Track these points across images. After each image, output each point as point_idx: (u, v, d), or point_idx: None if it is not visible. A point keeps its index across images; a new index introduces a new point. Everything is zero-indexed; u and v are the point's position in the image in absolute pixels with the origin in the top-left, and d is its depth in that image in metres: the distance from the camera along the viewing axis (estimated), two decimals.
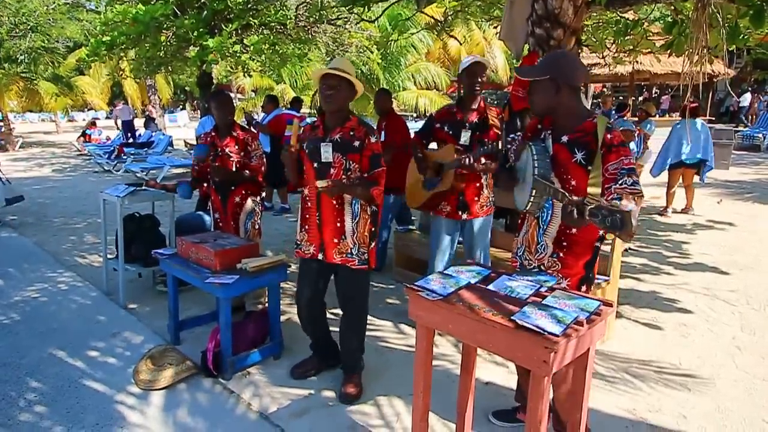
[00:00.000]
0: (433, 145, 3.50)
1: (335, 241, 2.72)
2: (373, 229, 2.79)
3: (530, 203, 2.04)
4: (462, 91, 3.32)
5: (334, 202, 2.68)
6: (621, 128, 6.59)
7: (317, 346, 3.05)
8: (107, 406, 2.75)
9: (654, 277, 4.75)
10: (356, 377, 2.89)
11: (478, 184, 3.29)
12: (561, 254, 2.15)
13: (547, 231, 2.16)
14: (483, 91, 3.34)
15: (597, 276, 2.29)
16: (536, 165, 2.01)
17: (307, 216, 2.78)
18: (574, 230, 2.10)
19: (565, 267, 2.15)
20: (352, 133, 2.68)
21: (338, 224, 2.71)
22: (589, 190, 1.95)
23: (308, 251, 2.80)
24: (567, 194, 1.85)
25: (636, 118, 7.69)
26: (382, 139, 4.76)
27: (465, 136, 3.23)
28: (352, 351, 2.89)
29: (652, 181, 7.96)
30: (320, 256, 2.77)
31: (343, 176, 2.66)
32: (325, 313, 3.01)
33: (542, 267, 2.19)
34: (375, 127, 4.91)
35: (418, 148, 3.45)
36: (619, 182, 1.93)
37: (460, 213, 3.30)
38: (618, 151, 1.97)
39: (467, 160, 2.95)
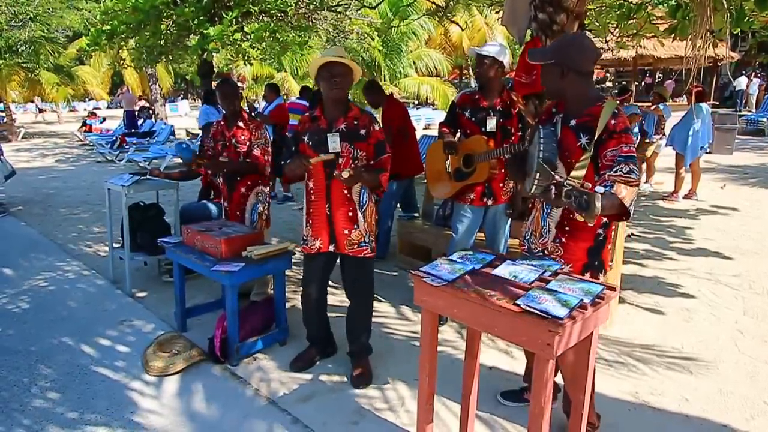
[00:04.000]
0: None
1: (346, 231, 2.73)
2: (377, 216, 2.83)
3: (535, 186, 2.03)
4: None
5: (345, 191, 2.69)
6: (629, 113, 6.59)
7: (317, 337, 3.07)
8: (117, 391, 2.80)
9: (657, 262, 4.77)
10: (366, 361, 2.93)
11: (503, 170, 3.25)
12: (563, 239, 2.15)
13: (551, 215, 2.18)
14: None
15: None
16: (542, 148, 2.00)
17: (313, 209, 2.77)
18: (576, 215, 2.09)
19: (566, 252, 2.15)
20: (356, 122, 2.69)
21: (350, 214, 2.72)
22: (573, 173, 1.91)
23: (314, 246, 2.79)
24: (552, 174, 1.85)
25: (650, 103, 7.80)
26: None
27: (491, 123, 3.17)
28: (362, 335, 2.93)
29: (657, 167, 7.95)
30: (331, 248, 2.76)
31: (351, 165, 2.66)
32: (326, 303, 3.05)
33: (546, 251, 2.20)
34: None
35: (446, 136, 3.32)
36: (614, 169, 1.90)
37: (485, 200, 3.27)
38: (619, 138, 1.94)
39: (506, 150, 2.87)
